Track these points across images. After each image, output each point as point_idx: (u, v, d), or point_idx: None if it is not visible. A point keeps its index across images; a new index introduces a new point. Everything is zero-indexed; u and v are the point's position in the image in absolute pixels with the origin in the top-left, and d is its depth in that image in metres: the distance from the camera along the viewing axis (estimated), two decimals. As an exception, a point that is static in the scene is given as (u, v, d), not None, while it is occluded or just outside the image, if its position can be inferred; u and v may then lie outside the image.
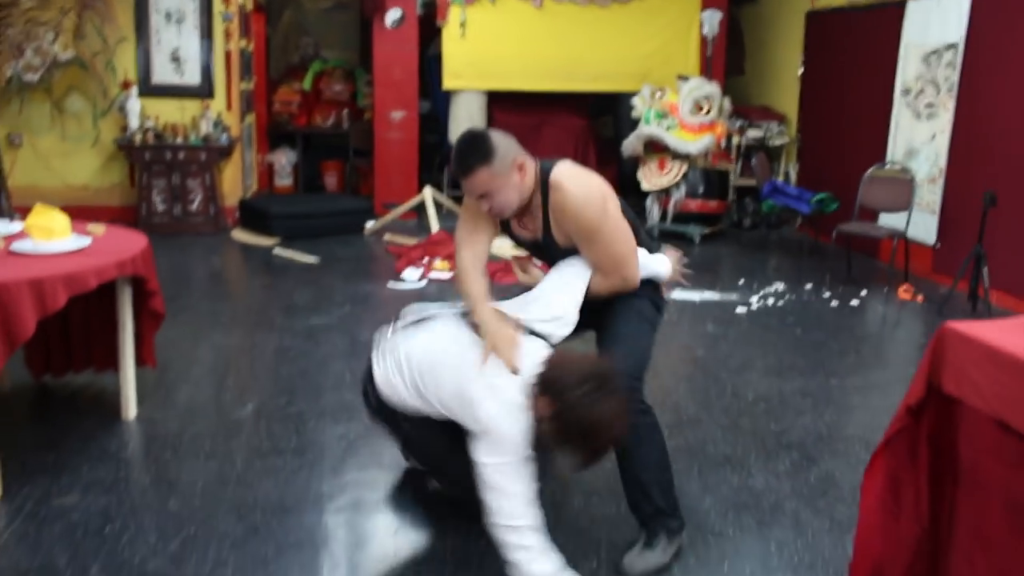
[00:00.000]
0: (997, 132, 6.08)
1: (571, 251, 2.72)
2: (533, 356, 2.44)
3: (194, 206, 7.48)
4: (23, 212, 3.68)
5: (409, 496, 3.19)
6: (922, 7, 6.88)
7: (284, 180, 9.64)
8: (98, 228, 3.66)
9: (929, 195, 6.73)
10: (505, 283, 6.17)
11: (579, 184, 2.61)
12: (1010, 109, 5.97)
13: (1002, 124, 6.04)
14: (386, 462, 3.39)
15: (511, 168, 2.57)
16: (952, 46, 6.53)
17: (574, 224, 2.62)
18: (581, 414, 2.28)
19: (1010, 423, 1.97)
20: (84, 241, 3.40)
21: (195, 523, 2.93)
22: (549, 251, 2.79)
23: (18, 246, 3.29)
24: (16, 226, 3.61)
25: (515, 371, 2.47)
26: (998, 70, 6.10)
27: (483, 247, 2.81)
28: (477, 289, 2.69)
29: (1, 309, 2.86)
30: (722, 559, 2.81)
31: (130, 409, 3.74)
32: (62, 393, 4.03)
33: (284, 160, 9.62)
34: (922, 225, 6.74)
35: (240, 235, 7.53)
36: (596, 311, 2.74)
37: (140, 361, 3.79)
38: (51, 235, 3.29)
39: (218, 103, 7.65)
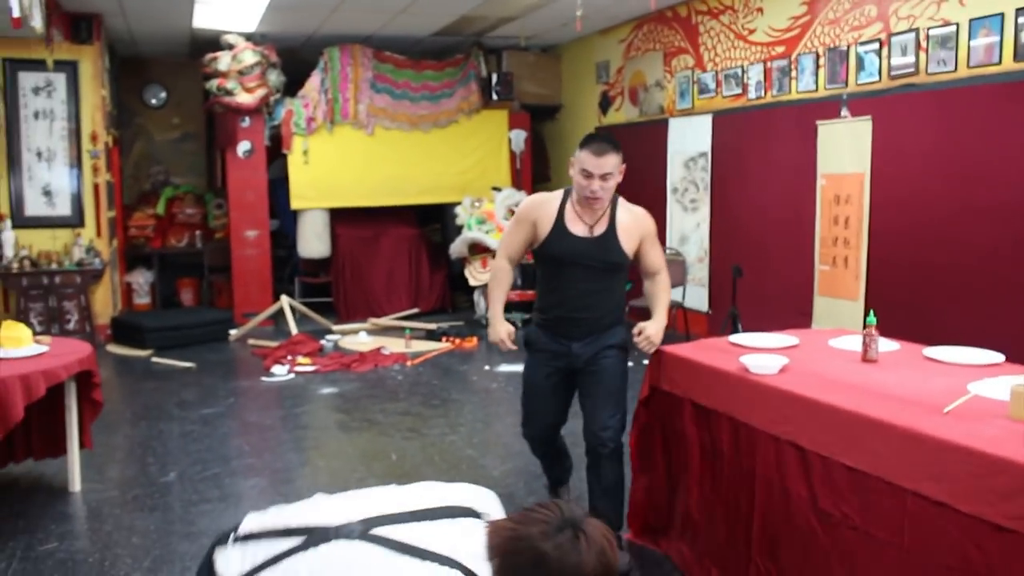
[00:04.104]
0: (741, 219, 7.81)
1: (616, 251, 3.57)
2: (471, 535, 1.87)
3: (70, 325, 8.27)
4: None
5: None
6: (680, 123, 8.65)
7: (142, 298, 10.46)
8: (46, 339, 4.63)
9: (699, 272, 8.41)
10: (360, 371, 7.34)
11: None
12: (746, 201, 7.72)
13: (743, 212, 7.78)
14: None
15: (620, 167, 3.52)
16: (704, 153, 8.29)
17: (648, 230, 3.67)
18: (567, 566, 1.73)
19: (694, 400, 3.35)
20: (43, 347, 4.38)
21: (158, 549, 3.93)
22: (600, 244, 3.55)
23: (-4, 353, 4.24)
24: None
25: (502, 343, 3.62)
26: (736, 172, 7.86)
27: (514, 269, 3.83)
28: (499, 297, 3.77)
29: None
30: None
31: (76, 483, 4.66)
32: (2, 481, 4.84)
33: (141, 279, 10.45)
34: (697, 297, 8.39)
35: (115, 349, 8.38)
36: (586, 366, 3.62)
37: (79, 445, 4.73)
38: (20, 343, 4.27)
39: (89, 231, 8.54)
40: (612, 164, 3.45)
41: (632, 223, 3.64)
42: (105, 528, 4.20)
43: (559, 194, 3.67)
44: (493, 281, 3.78)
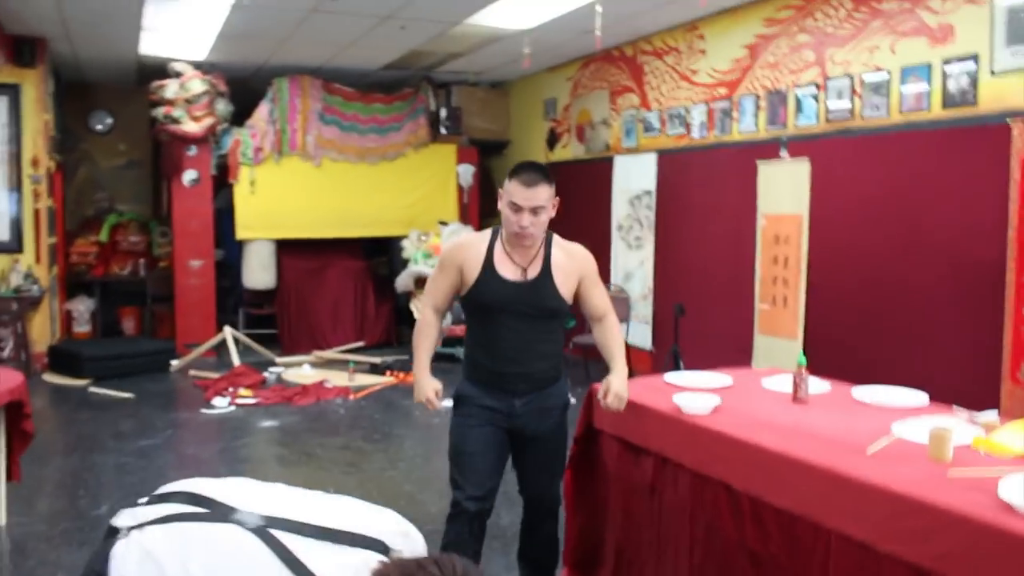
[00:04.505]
0: (684, 257, 7.92)
1: (552, 295, 3.21)
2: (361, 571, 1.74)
3: (5, 352, 8.09)
4: None
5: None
6: (624, 161, 8.77)
7: (83, 327, 10.27)
8: (-25, 368, 4.54)
9: (643, 309, 8.49)
10: (302, 404, 7.28)
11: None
12: (690, 239, 7.83)
13: (686, 251, 7.89)
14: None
15: (553, 200, 3.17)
16: (648, 192, 8.40)
17: (587, 269, 3.31)
18: None
19: (628, 439, 3.38)
20: (-29, 378, 4.30)
21: (84, 586, 3.84)
22: (535, 289, 3.20)
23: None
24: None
25: (429, 402, 3.24)
26: (679, 210, 7.98)
27: (442, 317, 3.42)
28: (425, 351, 3.36)
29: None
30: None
31: (2, 516, 4.54)
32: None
33: (82, 307, 10.27)
34: (640, 334, 8.46)
35: (51, 378, 8.21)
36: (526, 429, 3.29)
37: (7, 477, 4.62)
38: (-53, 374, 4.18)
39: (28, 257, 8.40)
40: (544, 196, 3.11)
41: (568, 263, 3.27)
42: (29, 564, 4.10)
43: (487, 234, 3.30)
44: (419, 335, 3.37)
